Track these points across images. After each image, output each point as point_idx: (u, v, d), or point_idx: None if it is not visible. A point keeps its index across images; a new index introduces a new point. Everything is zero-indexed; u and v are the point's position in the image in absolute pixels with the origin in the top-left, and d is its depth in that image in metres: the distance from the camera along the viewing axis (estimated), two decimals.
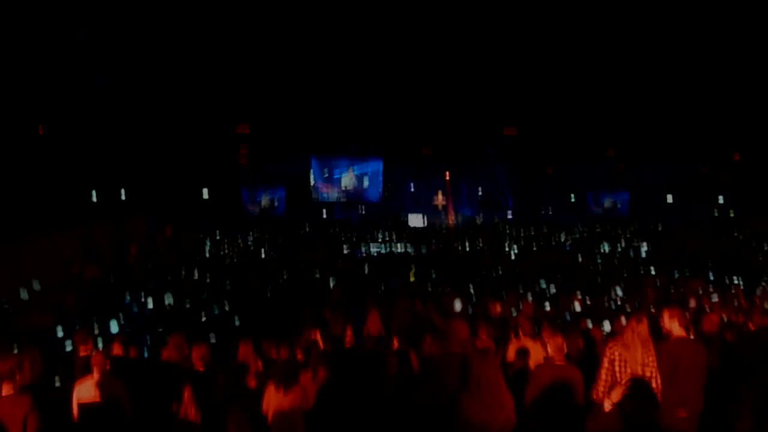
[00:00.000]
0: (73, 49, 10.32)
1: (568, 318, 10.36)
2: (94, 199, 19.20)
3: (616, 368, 4.49)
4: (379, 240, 26.37)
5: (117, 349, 5.83)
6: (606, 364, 4.55)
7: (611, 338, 6.64)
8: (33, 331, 7.84)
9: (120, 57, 11.43)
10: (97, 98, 13.99)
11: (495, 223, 38.84)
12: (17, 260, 12.35)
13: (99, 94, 13.54)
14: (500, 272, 15.93)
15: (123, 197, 21.82)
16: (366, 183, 33.56)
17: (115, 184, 21.20)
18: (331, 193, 33.55)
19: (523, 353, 6.26)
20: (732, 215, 28.24)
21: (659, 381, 4.51)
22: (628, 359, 4.49)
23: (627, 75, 13.16)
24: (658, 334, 5.00)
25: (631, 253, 21.46)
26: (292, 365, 5.58)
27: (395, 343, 7.78)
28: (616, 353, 4.53)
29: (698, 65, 12.58)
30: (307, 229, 31.32)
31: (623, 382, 4.29)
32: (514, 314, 10.18)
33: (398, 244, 24.52)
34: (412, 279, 15.43)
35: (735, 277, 14.57)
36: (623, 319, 7.58)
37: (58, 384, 5.75)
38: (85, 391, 4.82)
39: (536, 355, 6.21)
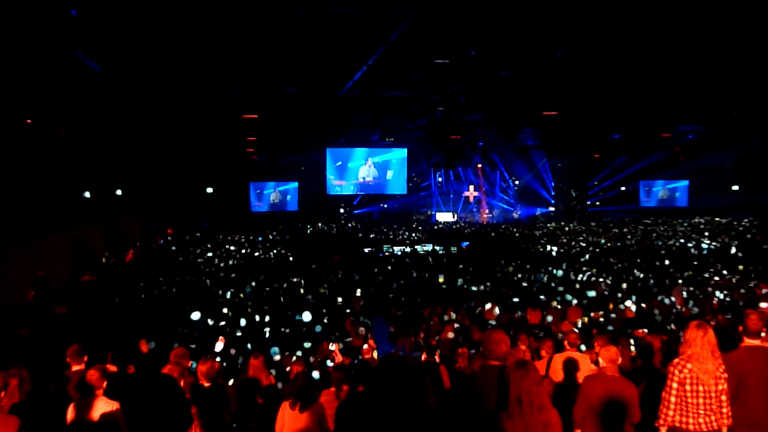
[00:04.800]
0: (61, 34, 10.45)
1: (620, 325, 10.20)
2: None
3: (687, 388, 4.37)
4: (404, 238, 26.32)
5: (113, 366, 5.89)
6: (674, 385, 4.41)
7: (668, 347, 6.52)
8: (22, 343, 7.97)
9: (113, 40, 11.53)
10: (88, 87, 14.16)
11: (535, 218, 38.59)
12: (4, 266, 12.57)
13: (91, 81, 13.69)
14: (542, 275, 15.74)
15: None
16: (389, 174, 33.41)
17: (109, 181, 21.50)
18: (349, 187, 33.54)
19: (570, 365, 6.16)
20: None
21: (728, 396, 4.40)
22: (700, 374, 4.36)
23: (685, 44, 12.89)
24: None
25: (692, 250, 21.06)
26: (310, 381, 5.56)
27: (423, 356, 7.75)
28: (685, 371, 4.39)
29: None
30: (322, 227, 31.54)
31: (696, 402, 4.19)
32: (559, 322, 10.06)
33: (425, 244, 24.41)
34: (441, 283, 15.33)
35: None
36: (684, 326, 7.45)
37: (51, 404, 5.83)
38: (79, 411, 4.87)
39: (585, 367, 6.11)
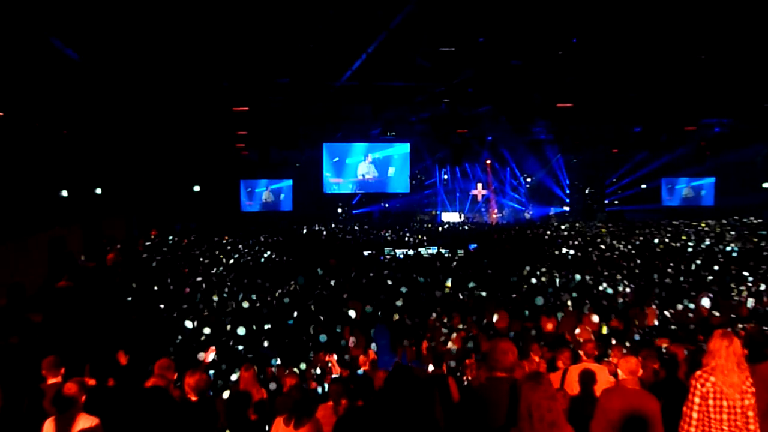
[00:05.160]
0: (36, 19, 10.45)
1: (642, 334, 10.21)
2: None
3: (710, 403, 4.35)
4: (407, 240, 26.33)
5: (91, 379, 5.90)
6: (696, 399, 4.39)
7: (694, 357, 6.51)
8: None
9: (92, 26, 11.53)
10: (65, 77, 14.16)
11: (548, 219, 38.56)
12: None
13: (68, 71, 13.69)
14: (556, 279, 15.76)
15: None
16: (390, 171, 33.38)
17: (88, 179, 21.52)
18: (347, 185, 33.53)
19: (586, 378, 6.15)
20: None
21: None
22: (724, 388, 4.35)
23: (712, 28, 12.86)
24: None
25: (720, 255, 21.05)
26: (305, 395, 5.57)
27: (429, 367, 7.75)
28: (708, 384, 4.38)
29: None
30: (318, 228, 31.55)
31: (720, 418, 4.19)
32: (575, 331, 10.07)
33: (429, 246, 24.42)
34: (448, 289, 15.34)
35: None
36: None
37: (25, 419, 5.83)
38: (57, 428, 4.87)
39: (603, 379, 6.11)
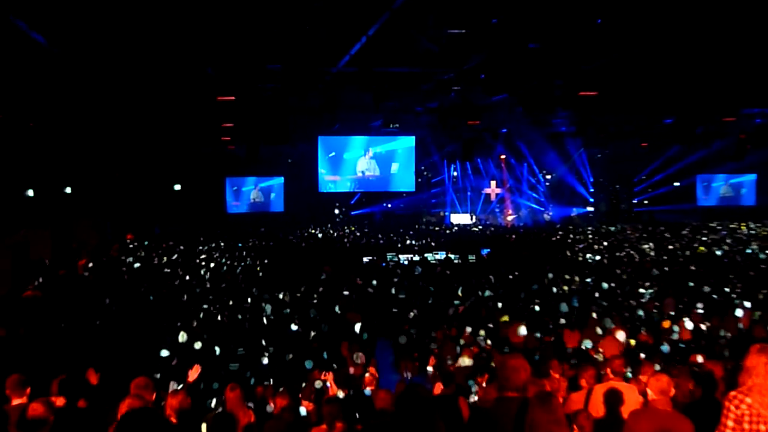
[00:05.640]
0: None
1: (673, 349, 10.20)
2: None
3: (745, 427, 4.28)
4: (411, 244, 26.36)
5: (60, 399, 5.90)
6: (729, 423, 4.33)
7: (732, 375, 6.50)
8: None
9: (61, 7, 11.55)
10: (31, 64, 14.19)
11: (570, 220, 38.53)
12: None
13: (35, 57, 13.72)
14: (577, 288, 15.77)
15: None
16: (393, 167, 33.33)
17: (57, 177, 21.56)
18: (345, 183, 33.51)
19: (613, 398, 6.15)
20: None
21: None
22: (762, 410, 4.28)
23: (753, 5, 12.83)
24: None
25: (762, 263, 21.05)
26: (297, 418, 5.58)
27: (437, 387, 7.75)
28: (744, 406, 4.33)
29: None
30: (313, 231, 31.58)
31: None
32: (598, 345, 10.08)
33: (437, 251, 24.44)
34: (459, 300, 15.37)
35: None
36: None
37: None
38: None
39: (631, 400, 6.11)
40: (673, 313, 12.43)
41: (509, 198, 38.96)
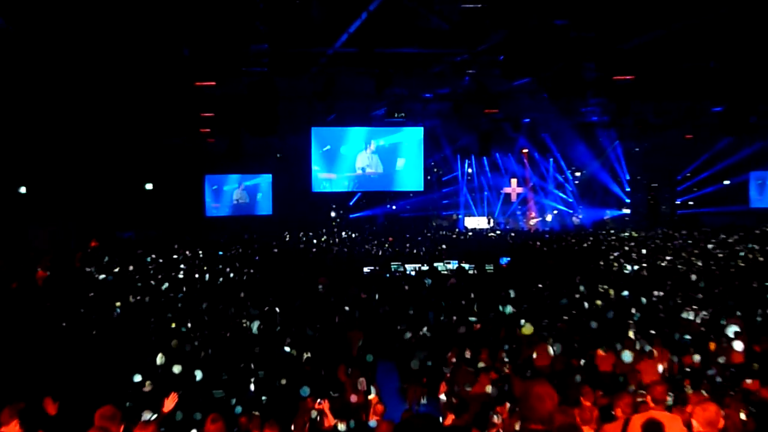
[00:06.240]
0: None
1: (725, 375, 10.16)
2: None
3: None
4: (419, 252, 26.37)
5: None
6: None
7: None
8: None
9: None
10: None
11: (603, 224, 38.50)
12: None
13: None
14: (611, 303, 15.75)
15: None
16: (398, 163, 33.27)
17: (10, 176, 21.59)
18: (342, 181, 33.46)
19: (654, 430, 6.11)
20: None
21: None
22: None
23: None
24: None
25: None
26: None
27: (449, 418, 7.73)
28: None
29: None
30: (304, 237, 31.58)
31: None
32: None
33: (448, 260, 24.43)
34: (474, 317, 15.37)
35: None
36: None
37: None
38: None
39: None
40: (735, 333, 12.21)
41: (533, 198, 38.98)
